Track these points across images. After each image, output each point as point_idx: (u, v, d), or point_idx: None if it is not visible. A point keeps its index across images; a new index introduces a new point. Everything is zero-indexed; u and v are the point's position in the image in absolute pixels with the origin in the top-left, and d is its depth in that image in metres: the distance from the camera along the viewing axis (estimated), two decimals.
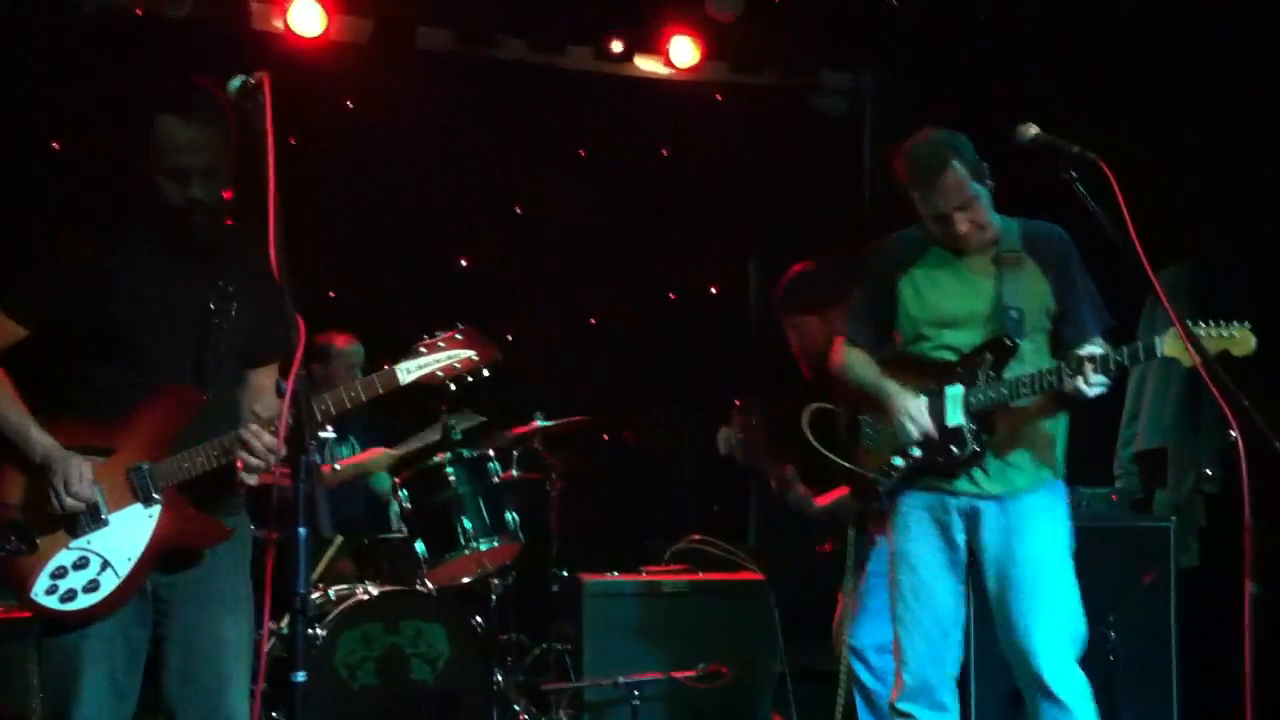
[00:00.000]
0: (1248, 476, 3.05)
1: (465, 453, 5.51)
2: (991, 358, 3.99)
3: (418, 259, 7.46)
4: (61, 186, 6.00)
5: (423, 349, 3.46)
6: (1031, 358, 3.99)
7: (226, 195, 3.39)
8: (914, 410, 4.01)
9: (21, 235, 3.58)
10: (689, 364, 7.97)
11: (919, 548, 4.06)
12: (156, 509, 3.38)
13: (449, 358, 3.46)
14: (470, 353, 3.48)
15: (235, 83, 3.03)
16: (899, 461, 4.07)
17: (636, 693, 5.43)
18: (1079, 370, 3.79)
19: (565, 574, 5.91)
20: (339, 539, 5.59)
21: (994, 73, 6.41)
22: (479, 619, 5.28)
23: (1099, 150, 3.38)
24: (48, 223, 3.52)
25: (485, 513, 5.43)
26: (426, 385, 3.49)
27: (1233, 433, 3.06)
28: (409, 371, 3.45)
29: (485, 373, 3.51)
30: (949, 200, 3.95)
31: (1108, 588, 4.73)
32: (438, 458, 5.50)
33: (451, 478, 5.44)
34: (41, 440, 3.32)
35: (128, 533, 3.36)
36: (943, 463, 4.01)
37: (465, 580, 5.53)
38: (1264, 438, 3.03)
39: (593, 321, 7.99)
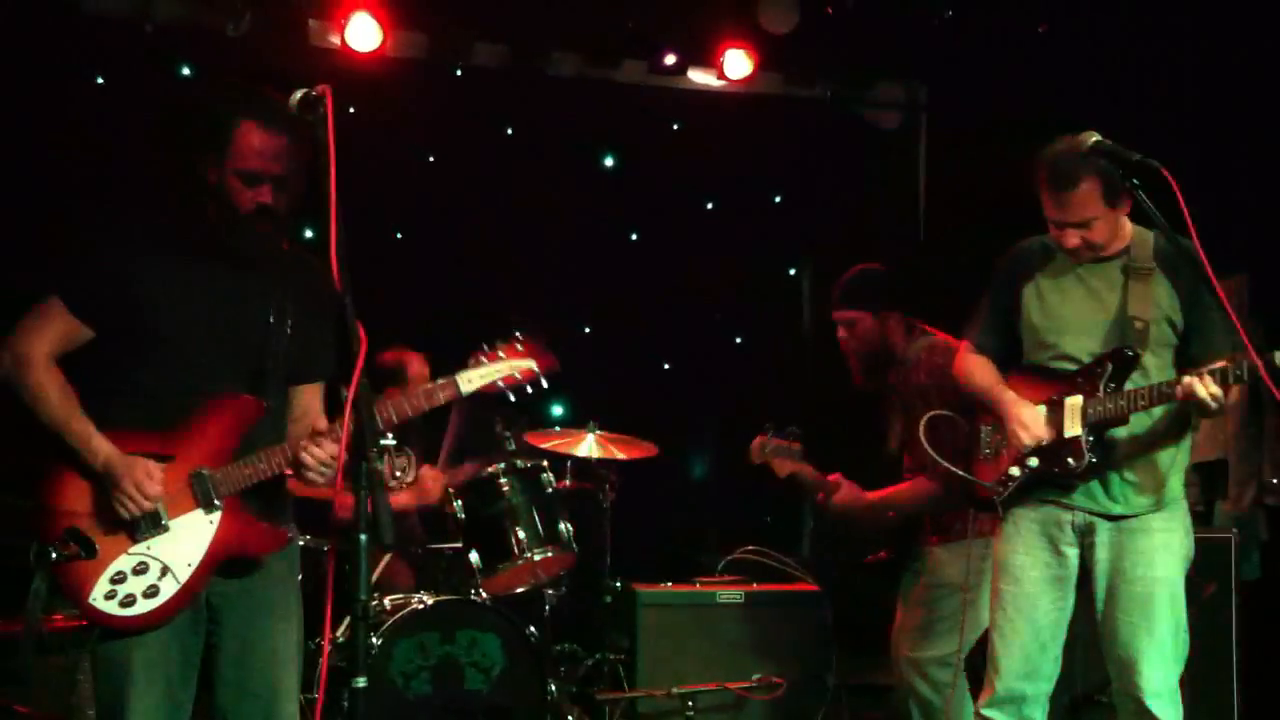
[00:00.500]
0: None
1: (519, 463, 5.54)
2: (1112, 368, 3.89)
3: (472, 271, 7.49)
4: (122, 193, 6.08)
5: (483, 359, 3.47)
6: (1155, 372, 3.89)
7: (294, 210, 3.40)
8: (1028, 418, 3.95)
9: (83, 239, 3.60)
10: (740, 375, 7.97)
11: (1025, 560, 4.00)
12: (217, 515, 3.38)
13: (510, 368, 3.47)
14: (530, 363, 3.49)
15: (298, 96, 3.04)
16: (1016, 472, 4.00)
17: (690, 703, 5.41)
18: (1197, 380, 3.67)
19: (619, 584, 5.90)
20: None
21: (1048, 83, 6.38)
22: (533, 629, 5.29)
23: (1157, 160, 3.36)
24: (107, 229, 3.53)
25: (539, 523, 5.44)
26: (485, 397, 3.50)
27: None
28: (470, 381, 3.45)
29: (544, 383, 3.52)
30: (1071, 214, 3.87)
31: None
32: (491, 468, 5.53)
33: (505, 488, 5.46)
34: (103, 447, 3.31)
35: (188, 538, 3.36)
36: (1059, 474, 3.93)
37: (519, 590, 5.55)
38: None
39: (642, 332, 7.99)
